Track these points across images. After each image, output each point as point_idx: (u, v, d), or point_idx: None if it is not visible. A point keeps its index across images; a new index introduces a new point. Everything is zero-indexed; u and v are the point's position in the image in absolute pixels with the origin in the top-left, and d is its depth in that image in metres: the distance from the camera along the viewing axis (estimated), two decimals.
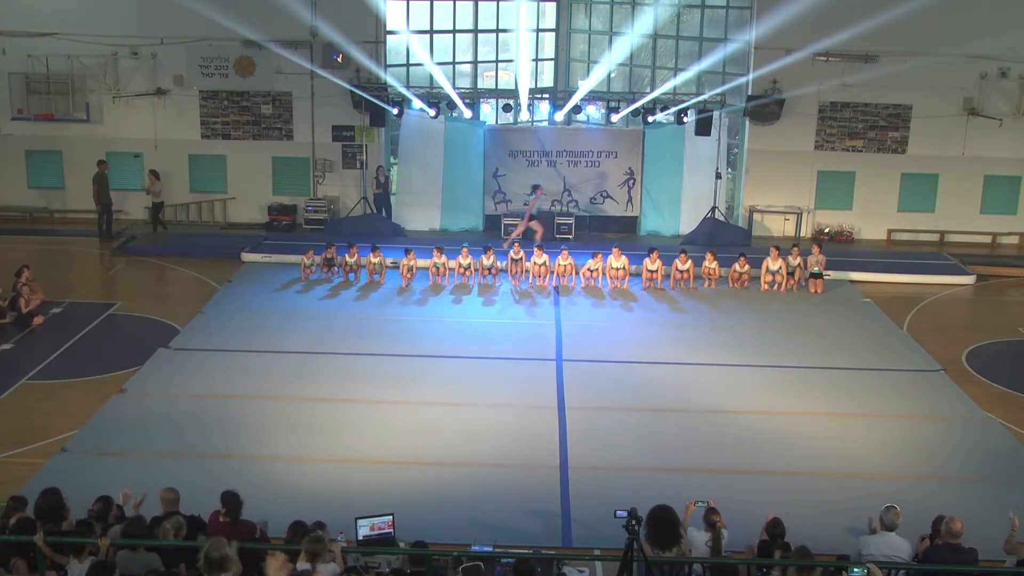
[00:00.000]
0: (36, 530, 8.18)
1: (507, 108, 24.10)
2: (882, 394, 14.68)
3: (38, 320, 16.98)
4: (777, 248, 20.21)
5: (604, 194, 24.03)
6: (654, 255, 20.00)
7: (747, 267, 20.09)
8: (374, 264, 19.96)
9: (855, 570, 7.79)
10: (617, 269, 19.95)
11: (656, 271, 19.94)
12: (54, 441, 12.42)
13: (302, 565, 7.68)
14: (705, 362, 15.89)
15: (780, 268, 19.92)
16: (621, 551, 8.04)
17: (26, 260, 18.67)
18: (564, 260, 19.93)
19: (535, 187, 21.98)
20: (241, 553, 8.17)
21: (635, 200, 24.09)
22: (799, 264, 20.02)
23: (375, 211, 23.90)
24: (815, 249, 20.35)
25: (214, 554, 7.12)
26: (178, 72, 24.06)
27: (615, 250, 20.07)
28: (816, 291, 19.88)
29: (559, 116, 23.96)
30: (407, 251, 19.93)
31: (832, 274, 20.58)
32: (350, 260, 19.93)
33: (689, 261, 19.94)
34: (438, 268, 19.87)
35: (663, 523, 8.46)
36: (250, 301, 18.66)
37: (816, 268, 20.05)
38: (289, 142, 24.57)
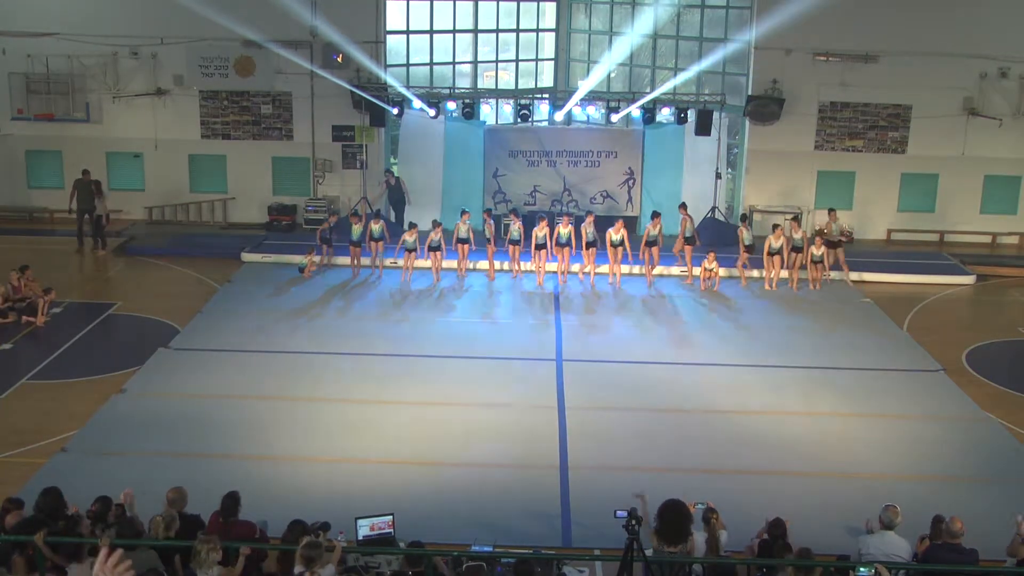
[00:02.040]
0: (36, 530, 8.18)
1: (524, 117, 23.44)
2: (882, 394, 14.68)
3: (40, 321, 16.91)
4: (777, 225, 20.44)
5: (604, 194, 24.03)
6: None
7: (750, 235, 20.44)
8: (374, 231, 20.13)
9: (861, 570, 7.76)
10: (616, 247, 19.98)
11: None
12: (54, 441, 12.42)
13: (297, 569, 7.68)
14: (705, 362, 15.89)
15: (781, 247, 19.92)
16: (621, 551, 8.03)
17: (26, 260, 18.66)
18: (565, 228, 19.92)
19: (831, 211, 21.26)
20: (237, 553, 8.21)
21: (635, 200, 24.08)
22: (803, 236, 20.13)
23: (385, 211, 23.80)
24: (832, 215, 20.45)
25: (201, 548, 7.19)
26: (178, 72, 24.05)
27: (618, 223, 20.16)
28: (837, 259, 20.28)
29: (559, 116, 23.95)
30: (410, 225, 20.29)
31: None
32: (355, 227, 20.21)
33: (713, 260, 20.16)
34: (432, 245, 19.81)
35: (675, 518, 8.40)
36: (250, 301, 18.66)
37: (837, 236, 20.21)
38: (289, 142, 24.57)
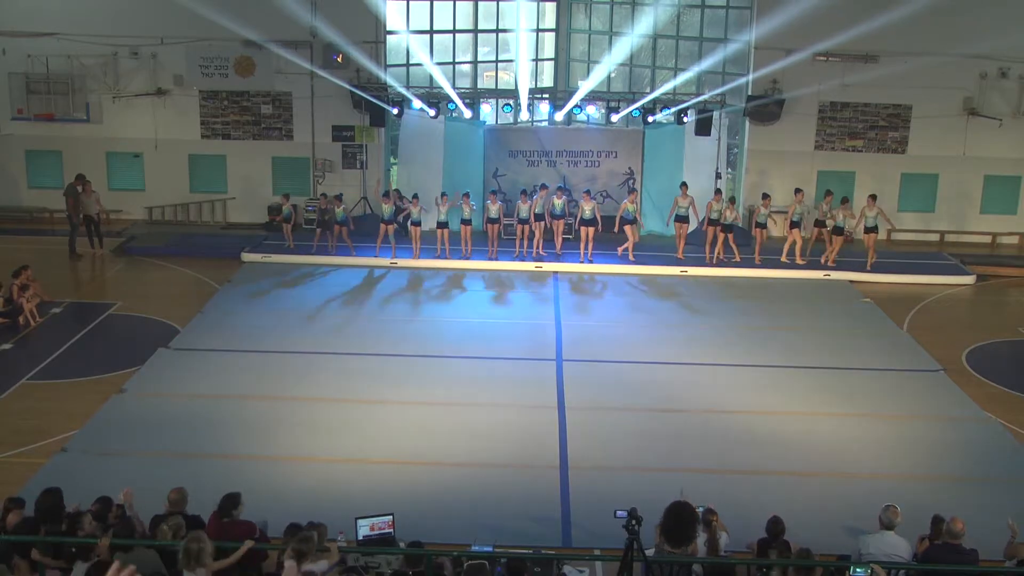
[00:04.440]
0: (36, 531, 8.17)
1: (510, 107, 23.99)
2: (882, 394, 14.68)
3: (33, 323, 16.86)
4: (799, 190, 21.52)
5: (604, 194, 24.00)
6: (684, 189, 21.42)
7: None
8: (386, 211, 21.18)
9: (858, 570, 7.76)
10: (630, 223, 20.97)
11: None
12: (54, 441, 12.42)
13: (287, 563, 7.64)
14: (705, 362, 15.88)
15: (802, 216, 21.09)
16: (621, 551, 8.03)
17: (26, 260, 18.62)
18: (559, 199, 21.26)
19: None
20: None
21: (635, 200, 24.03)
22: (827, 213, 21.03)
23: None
24: (869, 202, 20.93)
25: (192, 546, 7.16)
26: (178, 72, 24.05)
27: (632, 195, 21.38)
28: (869, 248, 20.92)
29: (559, 116, 23.94)
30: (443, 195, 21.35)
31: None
32: (337, 210, 21.19)
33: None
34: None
35: (681, 521, 8.34)
36: (250, 301, 18.66)
37: (872, 221, 20.75)
38: (289, 142, 24.57)
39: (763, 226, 21.31)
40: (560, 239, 21.55)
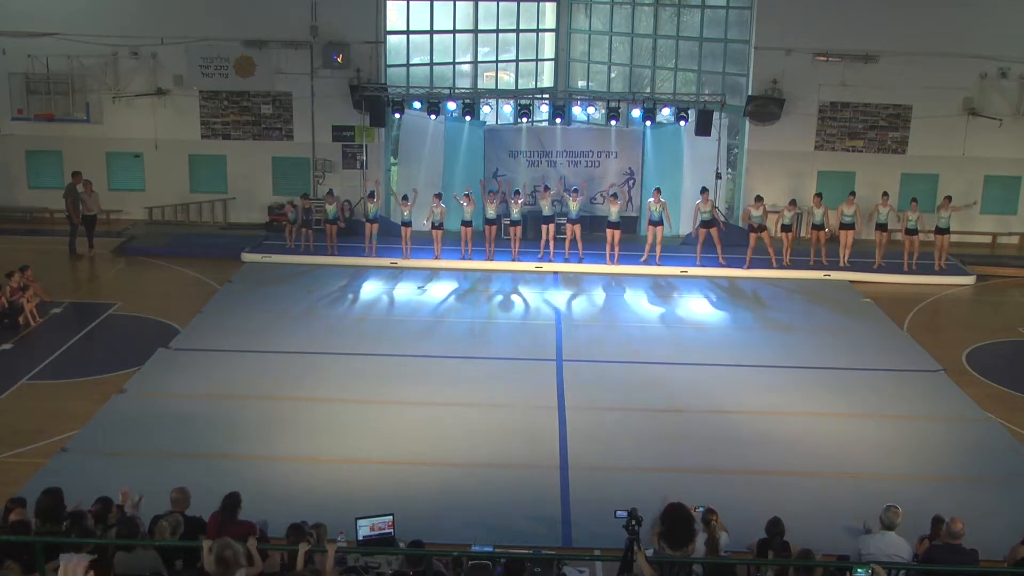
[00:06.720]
0: (31, 531, 8.14)
1: (524, 113, 23.53)
2: (882, 394, 14.68)
3: (33, 323, 16.86)
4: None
5: (604, 194, 24.00)
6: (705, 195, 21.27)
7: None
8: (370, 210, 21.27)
9: (859, 571, 7.75)
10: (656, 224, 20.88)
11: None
12: (54, 441, 12.42)
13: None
14: (705, 362, 15.89)
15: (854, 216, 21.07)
16: (621, 551, 8.03)
17: (26, 260, 18.62)
18: (575, 202, 21.19)
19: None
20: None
21: (635, 200, 24.07)
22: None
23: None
24: (944, 202, 21.13)
25: (227, 553, 7.09)
26: (178, 72, 24.05)
27: (655, 192, 21.16)
28: (941, 250, 21.08)
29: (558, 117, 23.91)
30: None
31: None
32: (329, 207, 21.33)
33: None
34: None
35: (680, 523, 8.34)
36: (250, 301, 18.66)
37: (945, 222, 20.93)
38: (289, 142, 24.57)
39: (820, 227, 21.23)
40: (580, 243, 21.28)
